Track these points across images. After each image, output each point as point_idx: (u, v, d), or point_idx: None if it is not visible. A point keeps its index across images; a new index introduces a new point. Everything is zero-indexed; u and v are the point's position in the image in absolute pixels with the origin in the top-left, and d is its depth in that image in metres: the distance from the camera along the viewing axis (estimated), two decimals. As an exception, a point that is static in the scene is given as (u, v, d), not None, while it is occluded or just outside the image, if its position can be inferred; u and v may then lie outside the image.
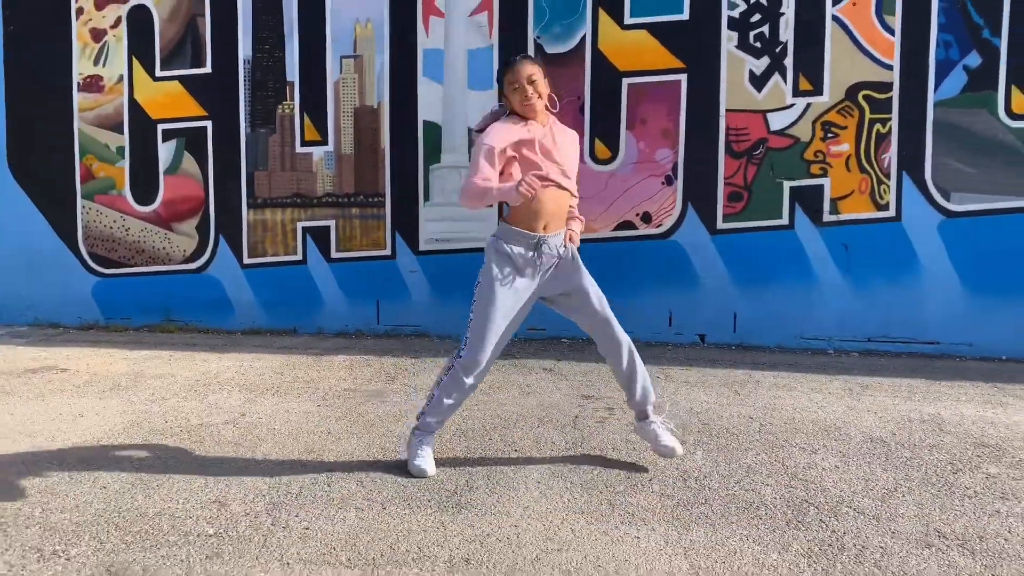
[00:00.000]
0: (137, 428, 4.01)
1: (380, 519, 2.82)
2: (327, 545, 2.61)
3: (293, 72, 6.56)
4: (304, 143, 6.58)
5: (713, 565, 2.48)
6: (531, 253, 3.17)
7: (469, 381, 3.30)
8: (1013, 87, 5.50)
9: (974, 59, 5.56)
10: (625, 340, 3.30)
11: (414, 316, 6.51)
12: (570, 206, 3.35)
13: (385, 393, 4.70)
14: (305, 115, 6.56)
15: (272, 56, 6.57)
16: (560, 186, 3.06)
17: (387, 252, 6.51)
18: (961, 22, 5.56)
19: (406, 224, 6.46)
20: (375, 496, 3.04)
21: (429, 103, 6.35)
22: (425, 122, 6.37)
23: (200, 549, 2.60)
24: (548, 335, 6.24)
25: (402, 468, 3.35)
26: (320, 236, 6.61)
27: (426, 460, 3.29)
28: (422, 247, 6.46)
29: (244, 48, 6.60)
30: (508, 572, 2.43)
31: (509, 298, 3.19)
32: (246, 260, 6.74)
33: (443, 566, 2.47)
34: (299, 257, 6.66)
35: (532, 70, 3.11)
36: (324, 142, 6.54)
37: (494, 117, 3.22)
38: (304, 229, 6.63)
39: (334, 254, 6.60)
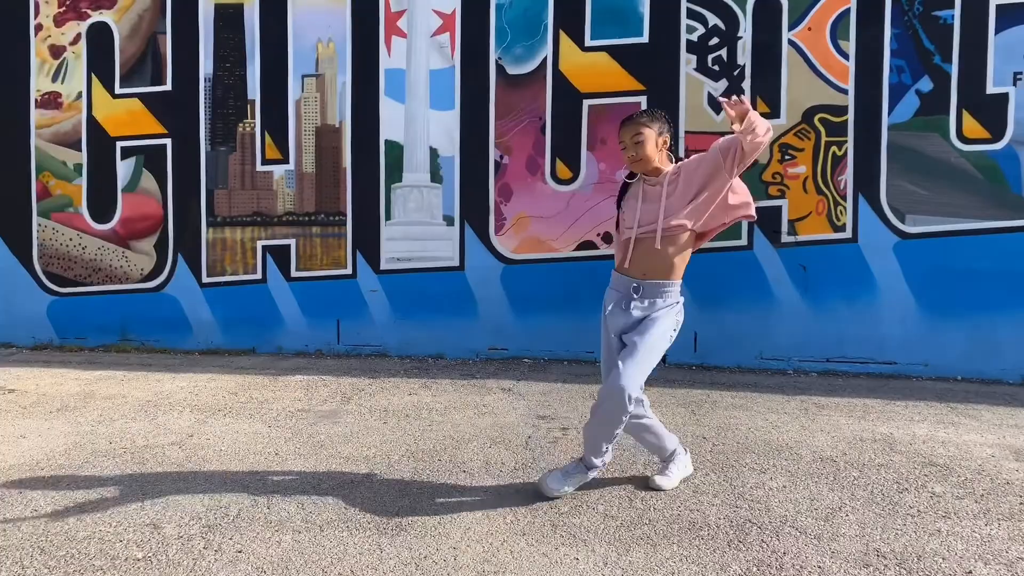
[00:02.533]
0: (79, 450, 3.91)
1: (316, 542, 2.76)
2: (257, 569, 2.55)
3: (254, 90, 6.53)
4: (265, 161, 6.54)
5: (650, 587, 2.45)
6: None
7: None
8: (964, 112, 5.60)
9: (926, 84, 5.66)
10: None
11: (375, 335, 6.46)
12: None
13: (338, 414, 4.63)
14: (266, 133, 6.52)
15: (233, 74, 6.54)
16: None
17: (348, 271, 6.47)
18: (913, 48, 5.67)
19: (367, 243, 6.42)
20: (314, 519, 2.98)
21: (391, 122, 6.35)
22: (387, 141, 6.36)
23: (125, 574, 2.52)
24: (509, 355, 6.21)
25: (346, 488, 3.29)
26: (280, 255, 6.55)
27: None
28: (383, 266, 6.42)
29: (205, 66, 6.57)
30: (441, 595, 2.39)
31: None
32: (205, 279, 6.66)
33: (375, 589, 2.42)
34: (259, 276, 6.59)
35: (630, 131, 3.13)
36: (285, 160, 6.51)
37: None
38: (264, 248, 6.57)
39: (294, 273, 6.54)
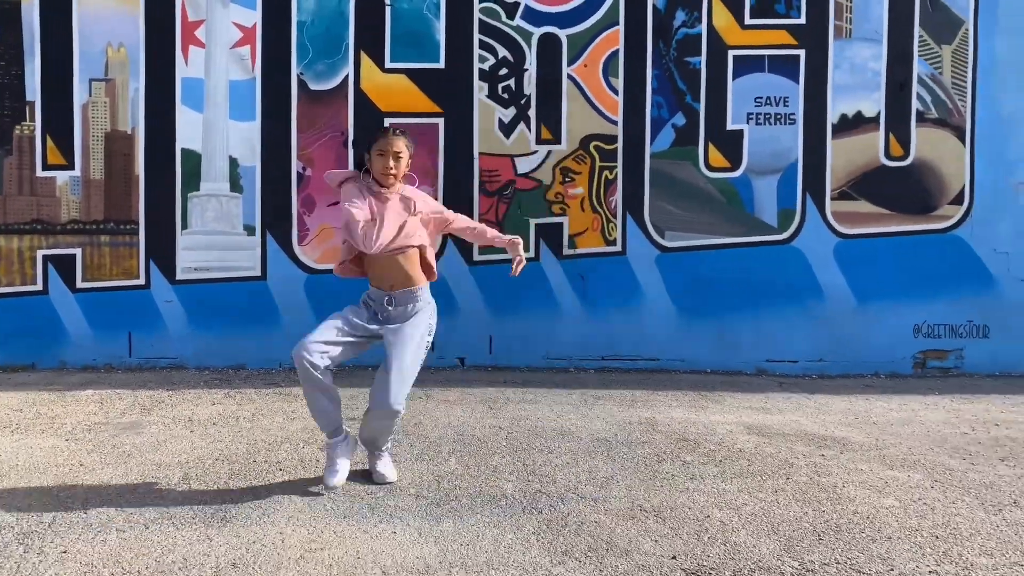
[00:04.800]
0: None
1: (144, 537, 2.88)
2: (88, 565, 2.64)
3: (34, 91, 6.20)
4: (47, 166, 6.22)
5: (459, 548, 2.85)
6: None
7: None
8: (710, 144, 6.60)
9: (680, 119, 6.61)
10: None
11: (171, 347, 6.35)
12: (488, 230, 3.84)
13: (141, 425, 4.61)
14: (48, 137, 6.21)
15: (9, 73, 6.16)
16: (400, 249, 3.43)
17: (141, 281, 6.31)
18: (669, 88, 6.59)
19: (161, 252, 6.31)
20: (136, 519, 3.07)
21: (188, 131, 6.30)
22: (183, 149, 6.30)
23: (-58, 582, 2.51)
24: (313, 363, 6.36)
25: (163, 492, 3.39)
26: (64, 265, 6.25)
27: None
28: (179, 276, 6.34)
29: (-25, 62, 6.13)
30: (273, 571, 2.63)
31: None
32: (-25, 291, 6.20)
33: (210, 571, 2.61)
34: (39, 287, 6.25)
35: (401, 147, 3.44)
36: (70, 166, 6.23)
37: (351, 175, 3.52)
38: (45, 257, 6.24)
39: (80, 283, 6.27)
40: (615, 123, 6.54)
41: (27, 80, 6.18)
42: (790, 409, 5.27)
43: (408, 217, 3.49)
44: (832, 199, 6.59)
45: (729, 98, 6.60)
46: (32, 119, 6.19)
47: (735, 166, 6.60)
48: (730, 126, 6.60)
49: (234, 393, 5.49)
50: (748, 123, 6.60)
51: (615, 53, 6.53)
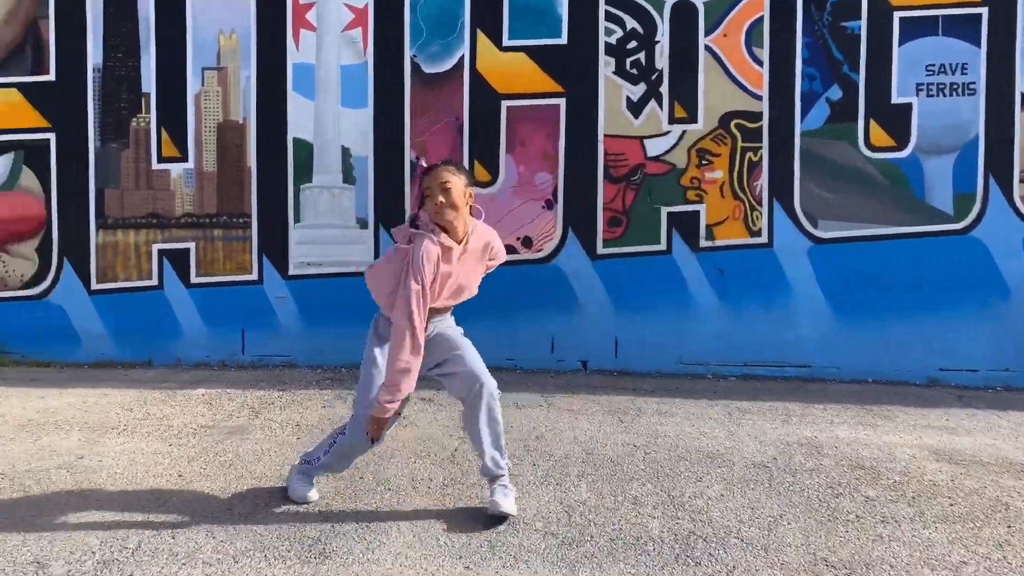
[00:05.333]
0: (-53, 478, 3.46)
1: (230, 574, 2.48)
2: (164, 611, 2.26)
3: (149, 83, 6.07)
4: (161, 159, 6.09)
5: (601, 610, 2.30)
6: None
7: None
8: (871, 120, 5.76)
9: (835, 92, 5.79)
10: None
11: (283, 345, 6.10)
12: None
13: (247, 430, 4.30)
14: (163, 129, 6.07)
15: (126, 64, 6.06)
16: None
17: (253, 276, 6.09)
18: (823, 57, 5.79)
19: (274, 247, 6.06)
20: (227, 548, 2.69)
21: (299, 120, 6.02)
22: (295, 139, 6.03)
23: (5, 625, 2.19)
24: (427, 363, 5.97)
25: (260, 512, 3.01)
26: (179, 259, 6.11)
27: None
28: (292, 271, 6.08)
29: (94, 55, 6.06)
30: (377, 632, 2.17)
31: None
32: (94, 285, 6.14)
33: (301, 629, 2.18)
34: (155, 282, 6.13)
35: (447, 177, 2.93)
36: (184, 158, 6.08)
37: (411, 226, 3.00)
38: (160, 252, 6.11)
39: (194, 279, 6.11)
40: (759, 98, 5.80)
41: (142, 71, 6.06)
42: (980, 429, 4.43)
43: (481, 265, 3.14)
44: (1021, 181, 5.62)
45: (895, 67, 5.74)
46: (148, 111, 6.07)
47: (901, 145, 5.74)
48: (896, 99, 5.75)
49: (344, 394, 5.15)
50: (917, 95, 5.73)
51: (759, 20, 5.80)
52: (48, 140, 6.10)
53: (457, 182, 2.94)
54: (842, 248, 5.76)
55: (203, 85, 6.06)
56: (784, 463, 3.71)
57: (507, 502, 2.94)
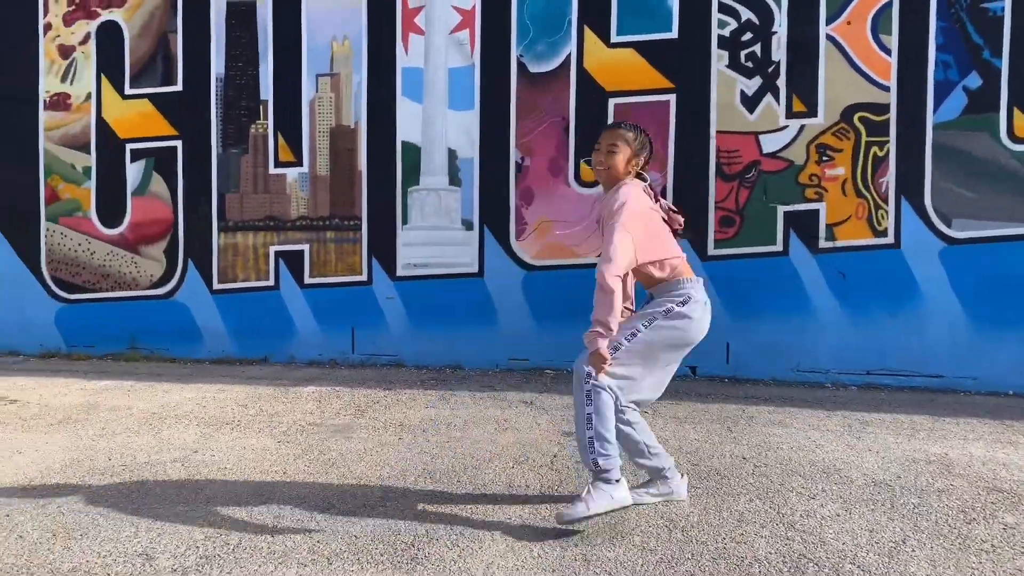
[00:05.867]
0: (76, 467, 3.67)
1: (323, 576, 2.50)
2: (257, 610, 2.29)
3: (267, 90, 6.31)
4: (278, 164, 6.32)
5: (699, 636, 2.16)
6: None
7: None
8: (1015, 109, 5.27)
9: (974, 80, 5.34)
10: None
11: (391, 345, 6.20)
12: None
13: (352, 428, 4.37)
14: (279, 135, 6.30)
15: (245, 73, 6.32)
16: None
17: (363, 277, 6.22)
18: (960, 42, 5.35)
19: (383, 248, 6.17)
20: (321, 548, 2.71)
21: (408, 123, 6.10)
22: (404, 143, 6.11)
23: (111, 614, 2.27)
24: (530, 366, 5.93)
25: (357, 513, 3.02)
26: (293, 261, 6.31)
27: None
28: (399, 272, 6.17)
29: (217, 65, 6.36)
30: (462, 644, 2.11)
31: None
32: (216, 285, 6.45)
33: (387, 637, 2.15)
34: (271, 283, 6.36)
35: (612, 139, 2.99)
36: (299, 163, 6.28)
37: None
38: (277, 253, 6.34)
39: (308, 279, 6.30)
40: (887, 89, 5.42)
41: (261, 79, 6.30)
42: None
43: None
44: None
45: (1043, 50, 5.23)
46: (265, 117, 6.31)
47: (1050, 136, 5.22)
48: (1043, 85, 5.23)
49: (448, 396, 5.16)
50: (1069, 81, 5.19)
51: (887, 5, 5.43)
52: (175, 147, 6.44)
53: (622, 146, 2.98)
54: (979, 249, 5.30)
55: (317, 91, 6.24)
56: (909, 482, 3.42)
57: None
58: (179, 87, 6.42)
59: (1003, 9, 5.27)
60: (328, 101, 6.23)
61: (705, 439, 4.11)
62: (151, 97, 6.46)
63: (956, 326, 5.32)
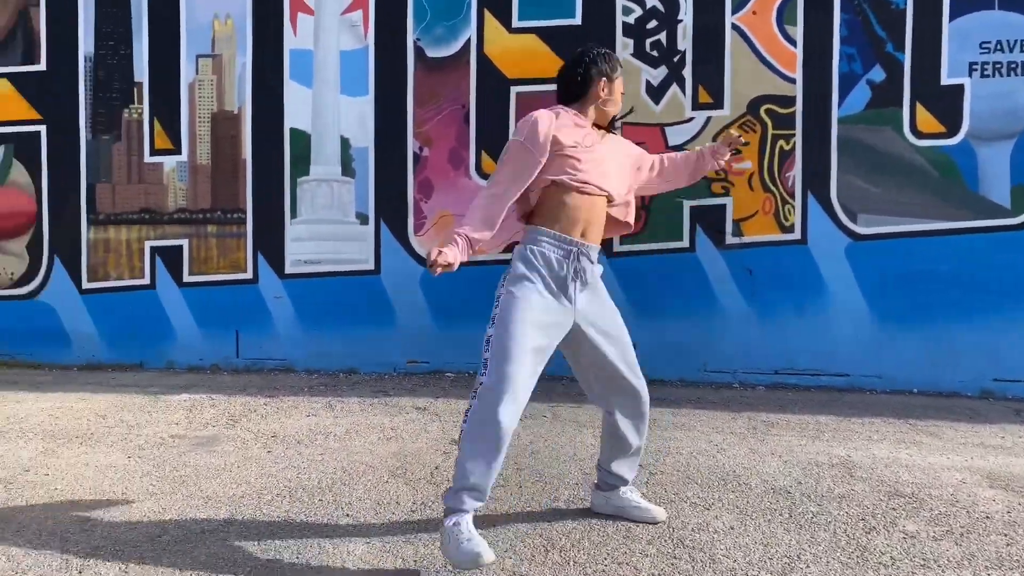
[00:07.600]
0: None
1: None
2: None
3: (142, 72, 5.79)
4: (154, 152, 5.80)
5: None
6: (566, 264, 2.62)
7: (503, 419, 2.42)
8: (918, 104, 5.20)
9: (878, 74, 5.24)
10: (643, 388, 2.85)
11: (279, 348, 5.75)
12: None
13: (218, 441, 3.94)
14: (155, 120, 5.78)
15: (118, 53, 5.78)
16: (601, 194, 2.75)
17: (248, 275, 5.75)
18: (864, 35, 5.25)
19: (270, 244, 5.72)
20: (136, 586, 2.31)
21: (297, 109, 5.67)
22: (292, 130, 5.68)
23: None
24: (430, 369, 5.57)
25: (191, 541, 2.62)
26: (171, 257, 5.80)
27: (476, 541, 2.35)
28: (288, 270, 5.72)
29: (85, 43, 5.80)
30: None
31: (541, 314, 2.58)
32: (86, 284, 5.88)
33: None
34: (147, 281, 5.83)
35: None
36: (177, 151, 5.77)
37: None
38: (153, 249, 5.82)
39: (187, 278, 5.79)
40: (792, 81, 5.28)
41: (135, 59, 5.78)
42: (1042, 450, 3.86)
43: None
44: (1090, 171, 5.01)
45: (945, 45, 5.17)
46: (140, 101, 5.78)
47: (952, 131, 5.16)
48: (945, 80, 5.18)
49: (335, 403, 4.77)
50: (970, 76, 5.15)
51: (793, -5, 5.28)
52: (39, 132, 5.85)
53: None
54: (885, 245, 5.19)
55: (197, 73, 5.75)
56: (810, 488, 3.21)
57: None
58: (42, 66, 5.83)
59: (905, 2, 5.19)
60: (209, 84, 5.74)
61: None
62: (10, 76, 5.85)
63: (861, 324, 5.20)
